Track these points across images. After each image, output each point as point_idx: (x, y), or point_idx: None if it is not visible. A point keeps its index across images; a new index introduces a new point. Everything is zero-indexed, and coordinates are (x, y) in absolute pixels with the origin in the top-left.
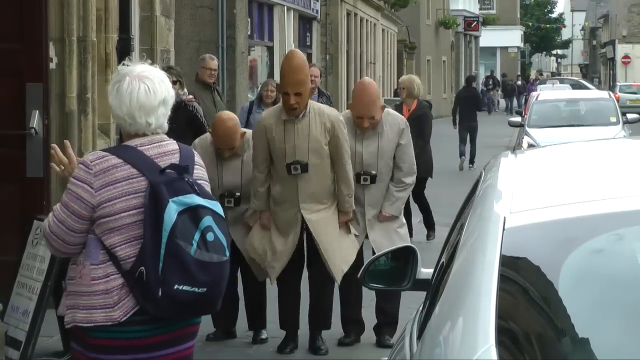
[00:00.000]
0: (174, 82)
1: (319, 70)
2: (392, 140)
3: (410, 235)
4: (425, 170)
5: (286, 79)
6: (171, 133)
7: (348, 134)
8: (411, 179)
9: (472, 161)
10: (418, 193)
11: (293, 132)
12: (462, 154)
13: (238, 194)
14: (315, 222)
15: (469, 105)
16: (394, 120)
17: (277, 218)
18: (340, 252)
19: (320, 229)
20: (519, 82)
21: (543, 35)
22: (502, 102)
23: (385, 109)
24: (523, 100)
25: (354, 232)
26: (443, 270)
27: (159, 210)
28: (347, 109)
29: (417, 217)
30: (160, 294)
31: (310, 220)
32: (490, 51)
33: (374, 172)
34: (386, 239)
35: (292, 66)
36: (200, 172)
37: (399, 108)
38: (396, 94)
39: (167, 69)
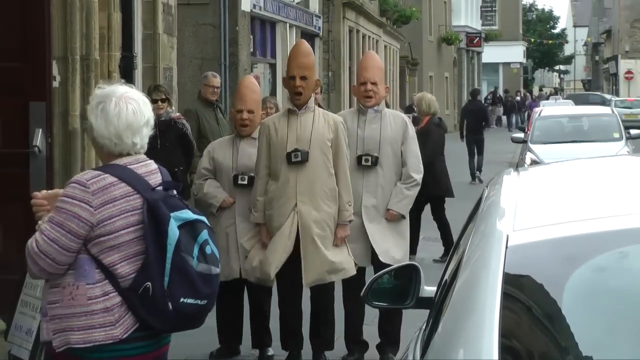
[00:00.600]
0: (162, 100)
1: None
2: (395, 130)
3: (414, 252)
4: (434, 188)
5: (292, 63)
6: (162, 151)
7: (350, 121)
8: (419, 176)
9: (479, 169)
10: (435, 212)
11: (296, 123)
12: (472, 169)
13: (252, 174)
14: (307, 216)
15: (475, 118)
16: (397, 114)
17: (272, 220)
18: (321, 259)
19: (311, 227)
20: (518, 98)
21: (545, 51)
22: (504, 119)
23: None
24: (525, 116)
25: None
26: (446, 288)
27: (161, 225)
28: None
29: (421, 234)
30: (170, 307)
31: (303, 213)
32: (493, 67)
33: (375, 154)
34: (382, 235)
35: (299, 51)
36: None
37: (415, 121)
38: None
39: (155, 87)
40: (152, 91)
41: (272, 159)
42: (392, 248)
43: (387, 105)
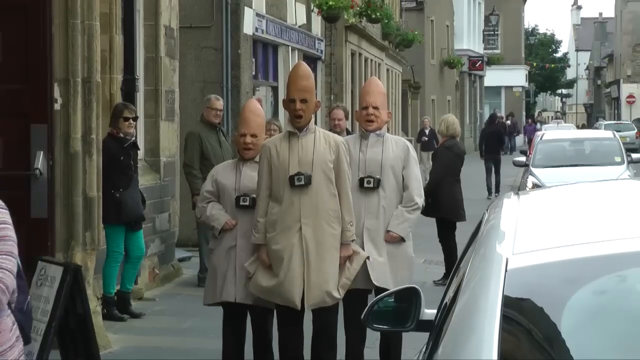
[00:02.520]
0: (133, 119)
1: (343, 112)
2: (396, 154)
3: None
4: (437, 210)
5: (292, 86)
6: (129, 170)
7: (352, 145)
8: (420, 200)
9: (497, 189)
10: (442, 235)
11: (297, 146)
12: (489, 185)
13: (254, 195)
14: (311, 238)
15: (494, 140)
16: (399, 139)
17: (276, 242)
18: (324, 281)
19: (315, 249)
20: (509, 122)
21: (548, 75)
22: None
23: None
24: (515, 141)
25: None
26: (446, 311)
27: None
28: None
29: (422, 257)
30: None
31: (307, 236)
32: (495, 91)
33: (378, 176)
34: (381, 258)
35: (298, 73)
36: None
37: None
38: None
39: (125, 106)
40: (123, 109)
41: (273, 181)
42: (388, 272)
43: (387, 130)
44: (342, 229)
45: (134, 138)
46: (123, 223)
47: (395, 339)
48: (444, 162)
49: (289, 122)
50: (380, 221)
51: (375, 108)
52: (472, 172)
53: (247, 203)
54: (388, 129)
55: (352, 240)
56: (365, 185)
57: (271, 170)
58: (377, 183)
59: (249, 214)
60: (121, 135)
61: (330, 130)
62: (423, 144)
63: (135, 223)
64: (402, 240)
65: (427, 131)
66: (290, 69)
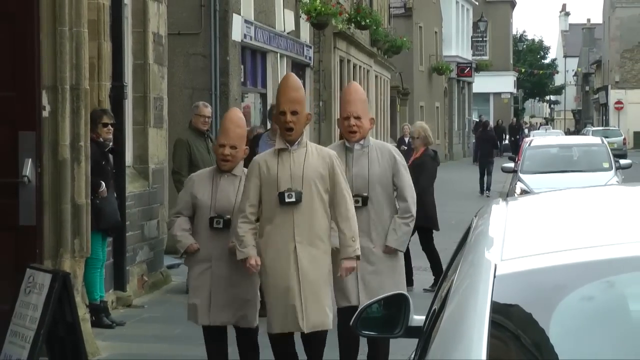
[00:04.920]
0: (112, 125)
1: None
2: (383, 166)
3: (410, 283)
4: (423, 219)
5: (282, 97)
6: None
7: None
8: (415, 209)
9: (488, 189)
10: (425, 243)
11: (289, 161)
12: (481, 185)
13: (228, 216)
14: (307, 258)
15: (487, 145)
16: (384, 147)
17: (269, 263)
18: (322, 303)
19: (311, 269)
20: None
21: (536, 81)
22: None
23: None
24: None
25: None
26: (435, 317)
27: None
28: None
29: (412, 263)
30: None
31: (302, 256)
32: (484, 97)
33: (365, 194)
34: (372, 277)
35: (288, 84)
36: None
37: (409, 153)
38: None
39: (104, 111)
40: (102, 115)
41: (264, 199)
42: (379, 290)
43: (373, 120)
44: (342, 244)
45: (111, 144)
46: (101, 230)
47: (382, 346)
48: (431, 172)
49: (279, 137)
50: (372, 238)
51: (357, 118)
52: (465, 178)
53: (220, 226)
54: (376, 134)
55: (358, 257)
56: (354, 204)
57: (260, 187)
58: (365, 201)
59: (222, 236)
60: (101, 140)
61: (268, 130)
62: (403, 153)
63: (112, 230)
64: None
65: (407, 139)
66: (281, 77)
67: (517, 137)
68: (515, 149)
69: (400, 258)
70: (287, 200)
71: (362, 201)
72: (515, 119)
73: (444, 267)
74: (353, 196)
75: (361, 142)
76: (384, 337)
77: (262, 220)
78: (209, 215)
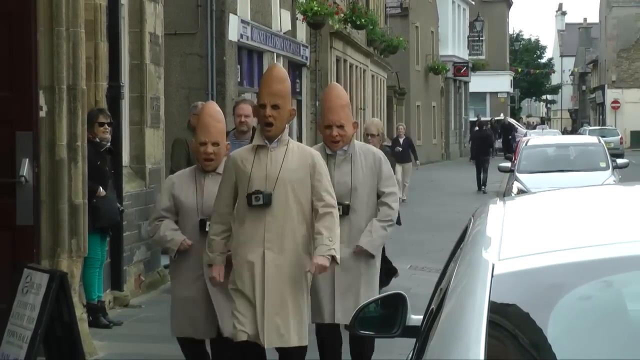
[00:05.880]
0: (109, 124)
1: (250, 107)
2: (366, 172)
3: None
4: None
5: (264, 89)
6: (105, 176)
7: None
8: (396, 216)
9: (484, 185)
10: None
11: (266, 159)
12: (478, 181)
13: None
14: (274, 267)
15: (482, 143)
16: (368, 150)
17: (236, 269)
18: (285, 317)
19: (278, 280)
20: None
21: (532, 81)
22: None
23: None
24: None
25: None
26: (432, 317)
27: None
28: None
29: (408, 263)
30: None
31: (270, 263)
32: (480, 96)
33: (347, 202)
34: (348, 291)
35: (272, 75)
36: None
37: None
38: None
39: (100, 111)
40: (98, 114)
41: (238, 198)
42: (353, 308)
43: (357, 123)
44: (317, 243)
45: (109, 144)
46: (99, 229)
47: (367, 345)
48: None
49: (258, 132)
50: (352, 249)
51: (340, 127)
52: (462, 177)
53: None
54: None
55: (332, 257)
56: None
57: (236, 185)
58: (347, 209)
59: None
60: (97, 140)
61: (235, 129)
62: (397, 155)
63: (110, 229)
64: (371, 256)
65: (401, 140)
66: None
67: (509, 137)
68: (507, 149)
69: (374, 272)
70: (254, 203)
71: (343, 210)
72: (507, 118)
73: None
74: None
75: (344, 147)
76: (381, 337)
77: (235, 220)
78: (197, 218)
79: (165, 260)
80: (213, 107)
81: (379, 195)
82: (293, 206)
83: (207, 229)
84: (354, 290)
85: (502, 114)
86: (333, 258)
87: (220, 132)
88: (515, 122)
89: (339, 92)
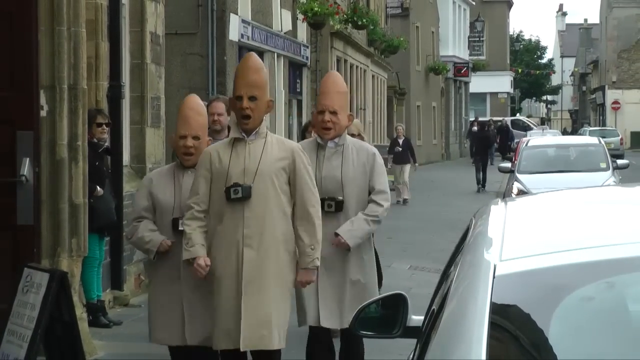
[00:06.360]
0: (106, 125)
1: (224, 105)
2: (358, 167)
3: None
4: None
5: (239, 80)
6: (102, 176)
7: (308, 157)
8: (381, 210)
9: (484, 185)
10: None
11: (244, 153)
12: (477, 180)
13: None
14: (253, 265)
15: (483, 143)
16: (361, 146)
17: (214, 269)
18: (263, 318)
19: (257, 278)
20: (474, 129)
21: (533, 81)
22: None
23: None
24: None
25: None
26: (434, 318)
27: None
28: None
29: (408, 263)
30: None
31: (248, 261)
32: (480, 97)
33: (340, 197)
34: (334, 294)
35: (247, 65)
36: None
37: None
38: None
39: (99, 111)
40: (96, 115)
41: (213, 194)
42: (338, 310)
43: (352, 116)
44: (300, 252)
45: (107, 144)
46: (96, 229)
47: (354, 345)
48: None
49: (234, 125)
50: (341, 249)
51: (333, 113)
52: (462, 177)
53: None
54: (373, 134)
55: (315, 267)
56: (326, 209)
57: (211, 181)
58: (340, 206)
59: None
60: (95, 140)
61: (208, 127)
62: (396, 156)
63: (108, 229)
64: (348, 249)
65: (401, 141)
66: (278, 77)
67: (508, 141)
68: (503, 151)
69: (371, 274)
70: (232, 196)
71: (335, 206)
72: (504, 120)
73: (439, 266)
74: (325, 199)
75: (336, 139)
76: (382, 338)
77: (211, 218)
78: (172, 216)
79: None
80: (194, 100)
81: (370, 192)
82: (273, 201)
83: (180, 228)
84: (340, 293)
85: (503, 118)
86: (316, 267)
87: (201, 126)
88: (529, 120)
89: (336, 78)
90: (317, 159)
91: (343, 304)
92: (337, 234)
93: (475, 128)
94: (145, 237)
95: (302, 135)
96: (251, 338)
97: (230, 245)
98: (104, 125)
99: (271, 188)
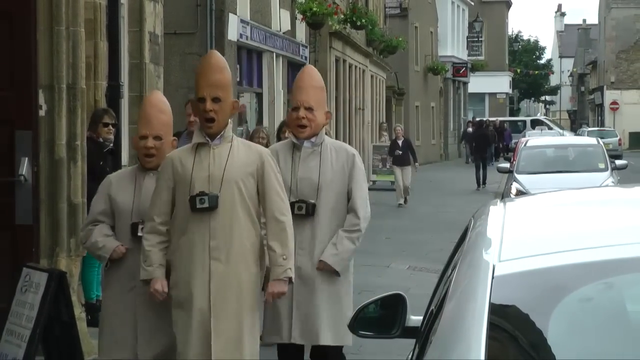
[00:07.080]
0: (113, 125)
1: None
2: (337, 169)
3: None
4: None
5: (201, 81)
6: (102, 175)
7: (283, 159)
8: (364, 224)
9: (484, 182)
10: None
11: (208, 158)
12: (477, 178)
13: None
14: (222, 279)
15: (482, 141)
16: (340, 147)
17: (178, 285)
18: (233, 334)
19: (227, 293)
20: (470, 129)
21: (531, 82)
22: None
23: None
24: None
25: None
26: (432, 318)
27: None
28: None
29: (407, 263)
30: None
31: (217, 275)
32: (479, 97)
33: (312, 200)
34: (310, 308)
35: (209, 64)
36: None
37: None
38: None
39: (105, 111)
40: (103, 114)
41: (177, 204)
42: (317, 325)
43: (331, 135)
44: (271, 262)
45: (112, 145)
46: None
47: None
48: None
49: (198, 129)
50: (315, 257)
51: (309, 109)
52: (461, 177)
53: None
54: (372, 134)
55: (289, 278)
56: (297, 212)
57: (173, 190)
58: (312, 209)
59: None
60: (100, 140)
61: (186, 130)
62: (397, 158)
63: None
64: (337, 274)
65: (400, 142)
66: (277, 76)
67: (503, 143)
68: (497, 152)
69: (347, 282)
70: (198, 206)
71: (306, 209)
72: (498, 121)
73: (438, 266)
74: (296, 202)
75: (312, 139)
76: (381, 338)
77: (174, 229)
78: (131, 221)
79: None
80: (157, 96)
81: (348, 197)
82: (240, 209)
83: (139, 234)
84: (315, 307)
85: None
86: (289, 279)
87: (163, 125)
88: (547, 119)
89: (312, 72)
90: (292, 160)
91: (313, 319)
92: (322, 261)
93: (470, 129)
94: (98, 243)
95: (277, 137)
96: (219, 354)
97: (196, 258)
98: (111, 126)
99: (238, 196)
